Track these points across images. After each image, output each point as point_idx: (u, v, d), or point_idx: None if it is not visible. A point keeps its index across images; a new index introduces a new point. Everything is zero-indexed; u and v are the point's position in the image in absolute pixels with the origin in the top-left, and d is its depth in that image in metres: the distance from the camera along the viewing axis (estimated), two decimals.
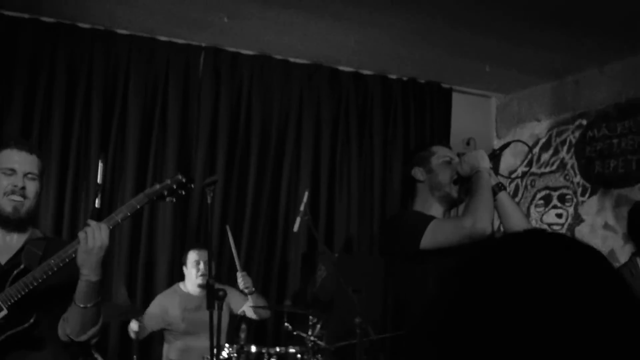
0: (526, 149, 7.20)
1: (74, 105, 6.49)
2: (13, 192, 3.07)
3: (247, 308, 6.06)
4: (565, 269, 1.09)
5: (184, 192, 3.22)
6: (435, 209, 3.64)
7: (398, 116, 7.65)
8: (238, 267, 6.08)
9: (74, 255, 2.93)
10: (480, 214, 3.33)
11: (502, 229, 3.75)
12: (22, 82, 6.31)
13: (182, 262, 6.24)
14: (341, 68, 7.47)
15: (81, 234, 2.93)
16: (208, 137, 6.91)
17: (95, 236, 2.91)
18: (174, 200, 3.22)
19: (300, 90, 7.29)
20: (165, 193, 3.16)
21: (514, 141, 4.01)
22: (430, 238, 3.40)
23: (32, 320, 2.95)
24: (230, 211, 6.91)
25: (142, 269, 6.55)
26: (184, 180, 3.20)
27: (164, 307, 6.08)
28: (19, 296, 2.92)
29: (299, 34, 6.64)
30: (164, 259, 6.63)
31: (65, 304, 3.09)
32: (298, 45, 6.94)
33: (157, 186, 3.18)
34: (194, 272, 6.10)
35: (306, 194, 6.18)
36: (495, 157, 3.75)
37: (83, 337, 3.06)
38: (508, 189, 4.11)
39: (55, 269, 2.94)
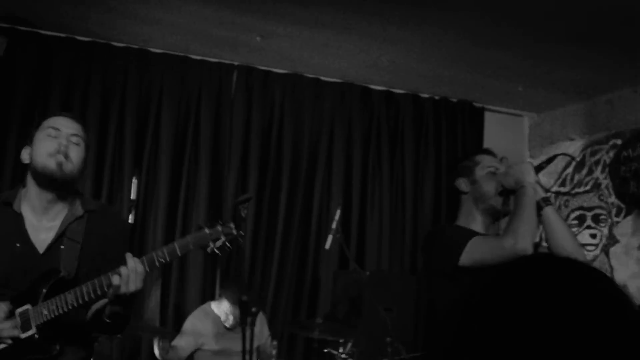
0: (559, 168, 7.14)
1: (108, 122, 6.56)
2: (57, 152, 2.98)
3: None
4: (570, 291, 1.15)
5: (230, 248, 2.90)
6: (479, 222, 3.50)
7: (430, 135, 7.64)
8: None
9: (106, 290, 2.82)
10: (521, 233, 3.19)
11: (545, 243, 3.55)
12: (57, 100, 6.40)
13: (220, 294, 6.21)
14: (373, 87, 7.48)
15: (115, 279, 2.78)
16: (240, 155, 6.94)
17: (129, 281, 2.77)
18: (220, 254, 2.90)
19: (331, 109, 7.31)
20: (212, 244, 2.85)
21: (560, 154, 3.87)
22: (470, 255, 3.28)
23: (56, 351, 2.86)
24: (262, 229, 6.93)
25: (174, 287, 6.57)
26: (234, 231, 2.89)
27: (196, 328, 6.06)
28: (50, 317, 2.85)
29: (330, 53, 6.67)
30: (196, 279, 6.64)
31: (90, 337, 3.09)
32: (330, 64, 6.97)
33: (206, 231, 2.85)
34: (224, 317, 6.06)
35: (338, 211, 6.18)
36: (541, 169, 3.55)
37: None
38: (554, 204, 3.90)
39: (86, 298, 2.84)
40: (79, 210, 3.10)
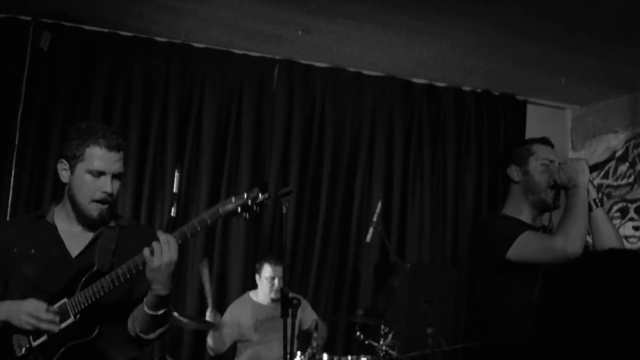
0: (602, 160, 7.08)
1: (151, 116, 6.64)
2: (102, 201, 3.01)
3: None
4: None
5: (258, 209, 2.92)
6: (527, 213, 3.46)
7: (471, 128, 7.61)
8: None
9: (140, 268, 2.87)
10: (572, 236, 3.16)
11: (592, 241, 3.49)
12: (100, 94, 6.49)
13: (256, 271, 6.29)
14: (414, 80, 7.47)
15: (146, 252, 2.82)
16: (281, 149, 6.98)
17: (163, 253, 2.81)
18: (247, 217, 2.91)
19: (373, 102, 7.31)
20: (239, 209, 2.87)
21: (616, 159, 3.84)
22: (519, 251, 3.27)
23: (95, 333, 2.91)
24: (303, 222, 6.97)
25: (215, 280, 6.62)
26: (260, 195, 2.89)
27: (236, 317, 6.13)
28: (87, 304, 2.90)
29: (372, 47, 6.67)
30: (237, 270, 6.70)
31: (126, 317, 3.11)
32: (371, 58, 6.97)
33: (232, 200, 2.89)
34: (267, 287, 6.13)
35: (379, 204, 6.19)
36: (595, 169, 3.49)
37: (152, 336, 3.04)
38: (605, 204, 3.79)
39: (122, 280, 2.89)
40: (111, 222, 3.17)
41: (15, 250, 3.08)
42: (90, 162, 2.99)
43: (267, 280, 6.12)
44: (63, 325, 2.91)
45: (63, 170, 3.06)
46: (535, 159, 3.44)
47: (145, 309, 2.95)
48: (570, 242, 3.16)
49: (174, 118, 6.69)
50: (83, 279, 2.93)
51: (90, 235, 3.10)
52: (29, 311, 2.89)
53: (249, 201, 2.86)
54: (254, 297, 6.24)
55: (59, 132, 6.23)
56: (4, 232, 3.19)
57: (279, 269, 6.01)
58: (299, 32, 6.35)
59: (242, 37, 6.65)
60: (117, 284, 2.88)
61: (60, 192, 3.26)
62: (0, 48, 6.29)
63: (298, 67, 7.12)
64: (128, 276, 2.88)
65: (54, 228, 3.11)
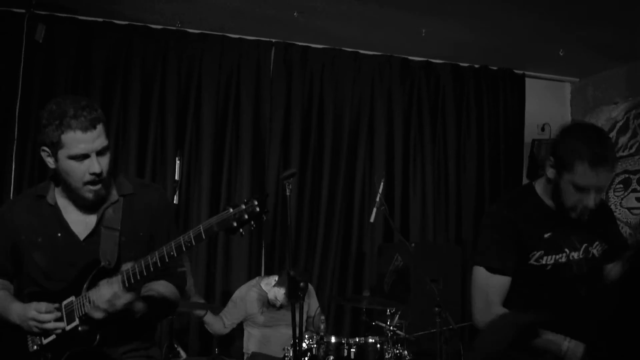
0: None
1: (150, 104, 6.63)
2: (93, 182, 2.91)
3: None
4: None
5: (254, 225, 2.68)
6: (550, 204, 3.36)
7: (470, 104, 7.60)
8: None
9: (144, 273, 2.79)
10: (489, 328, 3.18)
11: None
12: (98, 84, 6.48)
13: (278, 275, 6.24)
14: (411, 58, 7.45)
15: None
16: (281, 131, 6.97)
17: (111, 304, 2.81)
18: (243, 233, 2.68)
19: (371, 81, 7.29)
20: (235, 224, 2.64)
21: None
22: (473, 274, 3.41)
23: (97, 341, 2.88)
24: (305, 204, 6.96)
25: (220, 263, 6.64)
26: (258, 208, 2.64)
27: (243, 300, 6.14)
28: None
29: (368, 26, 6.64)
30: (240, 251, 6.70)
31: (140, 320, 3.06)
32: (368, 37, 6.94)
33: (230, 211, 2.66)
34: (272, 296, 6.09)
35: (381, 184, 6.17)
36: None
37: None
38: None
39: (126, 285, 2.82)
40: (114, 195, 3.08)
41: (23, 237, 3.05)
42: (70, 148, 2.87)
43: (274, 296, 6.08)
44: (69, 327, 2.91)
45: (48, 157, 2.96)
46: (569, 181, 3.21)
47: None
48: (482, 324, 3.25)
49: (172, 105, 6.68)
50: (89, 277, 2.90)
51: (93, 219, 3.04)
52: (32, 316, 2.89)
53: (246, 215, 2.64)
54: (263, 286, 6.21)
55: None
56: (10, 217, 3.12)
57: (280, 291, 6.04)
58: (295, 13, 6.31)
59: (237, 21, 6.62)
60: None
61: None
62: None
63: (295, 49, 7.10)
64: (139, 278, 2.80)
65: (57, 210, 3.05)
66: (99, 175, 2.91)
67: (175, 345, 5.84)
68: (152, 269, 2.75)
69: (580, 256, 3.36)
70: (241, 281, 6.48)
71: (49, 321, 2.89)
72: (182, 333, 6.43)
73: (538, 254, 3.32)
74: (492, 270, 3.32)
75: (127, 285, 2.79)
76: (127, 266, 2.82)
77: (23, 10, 6.27)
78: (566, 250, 3.35)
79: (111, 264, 2.94)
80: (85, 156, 2.88)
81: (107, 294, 2.79)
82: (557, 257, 3.33)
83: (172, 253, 2.72)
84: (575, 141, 3.18)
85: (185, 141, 6.69)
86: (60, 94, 6.22)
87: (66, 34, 6.45)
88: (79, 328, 2.89)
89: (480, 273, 3.35)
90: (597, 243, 3.40)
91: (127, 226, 3.04)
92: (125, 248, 2.99)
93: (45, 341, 2.94)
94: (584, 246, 3.37)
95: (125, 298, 2.81)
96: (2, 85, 6.27)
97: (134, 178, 3.46)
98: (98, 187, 2.94)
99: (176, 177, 5.96)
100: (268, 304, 6.09)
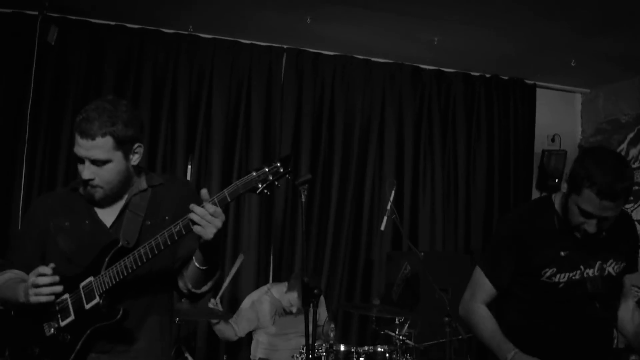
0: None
1: (161, 108, 6.62)
2: (84, 186, 2.98)
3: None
4: None
5: (279, 185, 2.75)
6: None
7: (481, 113, 7.59)
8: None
9: (169, 243, 2.80)
10: (468, 319, 3.55)
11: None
12: (109, 87, 6.46)
13: (289, 281, 6.19)
14: (423, 66, 7.44)
15: (197, 228, 2.73)
16: (292, 137, 6.96)
17: (211, 224, 2.74)
18: (269, 193, 2.74)
19: (382, 89, 7.29)
20: (260, 185, 2.70)
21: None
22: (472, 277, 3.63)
23: (119, 315, 2.87)
24: (315, 210, 6.96)
25: (227, 269, 6.62)
26: (282, 169, 2.72)
27: (254, 309, 6.12)
28: (112, 284, 2.87)
29: (380, 34, 6.64)
30: (249, 257, 6.66)
31: (161, 292, 3.11)
32: (379, 45, 6.94)
33: (253, 174, 2.72)
34: (286, 304, 6.08)
35: (392, 192, 6.15)
36: None
37: (204, 289, 3.05)
38: None
39: (145, 259, 2.84)
40: (142, 184, 3.12)
41: (52, 224, 3.09)
42: (75, 145, 2.96)
43: (288, 302, 6.06)
44: (88, 305, 2.89)
45: None
46: (575, 202, 3.20)
47: (197, 264, 2.94)
48: (461, 312, 3.63)
49: (183, 109, 6.67)
50: (108, 257, 2.91)
51: (119, 205, 3.08)
52: (30, 282, 2.86)
53: (271, 176, 2.71)
54: (275, 293, 6.19)
55: (69, 125, 6.20)
56: (42, 207, 3.19)
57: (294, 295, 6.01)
58: (307, 20, 6.31)
59: (250, 27, 6.62)
60: (139, 263, 2.84)
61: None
62: (8, 43, 6.27)
63: (306, 56, 7.09)
64: (156, 252, 2.82)
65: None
66: (87, 181, 2.96)
67: (183, 351, 5.82)
68: (184, 231, 2.78)
69: (596, 274, 3.34)
70: (250, 287, 6.47)
71: (45, 284, 2.85)
72: (189, 339, 6.41)
73: (550, 271, 3.32)
74: (487, 275, 3.50)
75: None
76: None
77: (36, 12, 6.25)
78: (581, 267, 3.33)
79: (130, 244, 2.95)
80: (80, 159, 2.95)
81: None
82: (571, 274, 3.33)
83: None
84: (592, 165, 3.12)
85: (196, 146, 6.68)
86: (72, 96, 6.30)
87: (78, 36, 6.45)
88: (100, 304, 2.89)
89: (477, 271, 3.57)
90: (612, 261, 3.37)
91: (152, 211, 3.08)
92: (148, 231, 3.01)
93: (63, 323, 2.93)
94: (598, 263, 3.34)
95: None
96: (14, 86, 6.26)
97: (165, 174, 3.47)
98: (89, 189, 2.99)
99: None
100: (283, 312, 6.08)
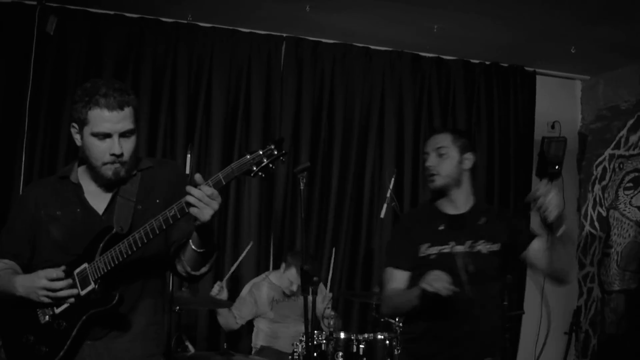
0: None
1: (160, 97, 6.62)
2: (113, 162, 2.94)
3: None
4: None
5: (273, 167, 2.76)
6: None
7: (481, 100, 7.57)
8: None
9: (164, 227, 2.80)
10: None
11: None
12: (109, 76, 6.40)
13: (285, 260, 6.27)
14: (423, 54, 7.43)
15: (193, 210, 2.72)
16: (291, 126, 6.96)
17: (208, 206, 2.75)
18: (264, 175, 2.76)
19: (382, 77, 7.27)
20: (255, 168, 2.72)
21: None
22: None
23: (115, 300, 2.89)
24: (315, 199, 6.96)
25: (229, 255, 6.64)
26: (275, 151, 2.74)
27: (253, 296, 6.15)
28: (106, 270, 2.88)
29: (379, 21, 6.62)
30: (251, 248, 6.67)
31: (154, 276, 3.13)
32: (379, 32, 6.92)
33: (247, 157, 2.74)
34: (286, 284, 6.10)
35: (392, 179, 6.16)
36: None
37: (203, 270, 3.05)
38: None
39: (140, 244, 2.84)
40: (133, 172, 3.12)
41: (42, 213, 3.08)
42: (94, 125, 2.92)
43: (288, 282, 6.09)
44: (84, 292, 2.90)
45: (76, 134, 3.02)
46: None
47: (194, 247, 2.95)
48: (384, 310, 4.30)
49: (182, 98, 6.67)
50: (102, 243, 2.91)
51: (110, 194, 3.08)
52: (42, 285, 2.88)
53: (265, 158, 2.73)
54: (273, 279, 6.22)
55: (68, 115, 6.16)
56: (32, 196, 3.17)
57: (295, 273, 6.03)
58: (307, 8, 6.29)
59: (249, 15, 6.61)
60: (134, 248, 2.85)
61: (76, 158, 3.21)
62: (7, 33, 6.25)
63: (306, 44, 7.08)
64: (151, 236, 2.82)
65: (78, 187, 3.09)
66: (118, 156, 2.95)
67: (184, 339, 5.84)
68: (179, 215, 2.78)
69: (466, 250, 3.77)
70: (250, 276, 6.50)
71: (62, 288, 2.88)
72: (190, 328, 6.42)
73: (425, 245, 3.81)
74: (390, 265, 3.93)
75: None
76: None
77: (34, 2, 6.25)
78: (451, 243, 3.79)
79: (124, 230, 2.96)
80: (107, 135, 2.93)
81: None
82: (441, 247, 3.79)
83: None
84: None
85: (195, 135, 6.68)
86: (71, 86, 6.28)
87: (77, 26, 6.44)
88: (95, 290, 2.90)
89: (384, 272, 4.00)
90: (483, 241, 3.82)
91: (143, 195, 3.09)
92: (140, 216, 3.02)
93: (58, 310, 2.94)
94: (468, 242, 3.79)
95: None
96: (13, 77, 6.26)
97: (154, 158, 3.48)
98: (118, 166, 2.97)
99: (187, 172, 5.96)
100: (283, 296, 6.10)
